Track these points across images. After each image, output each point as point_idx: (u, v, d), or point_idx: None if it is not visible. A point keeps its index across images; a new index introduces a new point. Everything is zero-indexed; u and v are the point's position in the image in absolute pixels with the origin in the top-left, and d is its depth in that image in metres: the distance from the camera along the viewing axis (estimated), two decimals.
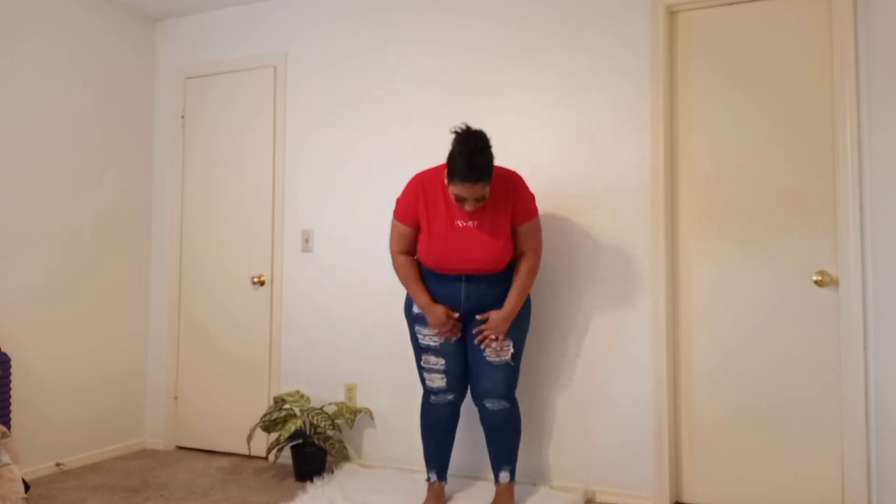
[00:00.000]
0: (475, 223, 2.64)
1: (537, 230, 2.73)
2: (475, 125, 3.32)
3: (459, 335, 2.78)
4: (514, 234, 2.70)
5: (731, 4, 2.98)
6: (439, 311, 2.71)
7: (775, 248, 2.88)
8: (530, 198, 2.71)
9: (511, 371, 2.76)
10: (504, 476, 2.82)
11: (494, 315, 2.70)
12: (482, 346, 2.72)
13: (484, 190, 2.52)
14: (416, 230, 2.74)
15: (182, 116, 4.04)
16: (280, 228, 3.74)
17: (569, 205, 3.15)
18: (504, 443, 2.81)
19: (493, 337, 2.70)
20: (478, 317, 2.74)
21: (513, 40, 3.29)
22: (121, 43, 3.92)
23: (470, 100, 3.35)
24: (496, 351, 2.71)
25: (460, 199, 2.56)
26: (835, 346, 2.77)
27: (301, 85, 3.74)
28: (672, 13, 3.06)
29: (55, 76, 3.54)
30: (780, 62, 2.90)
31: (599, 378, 3.07)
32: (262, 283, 3.77)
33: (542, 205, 3.18)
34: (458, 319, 2.76)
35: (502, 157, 3.26)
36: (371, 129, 3.56)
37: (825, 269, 2.80)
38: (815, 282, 2.78)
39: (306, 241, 3.68)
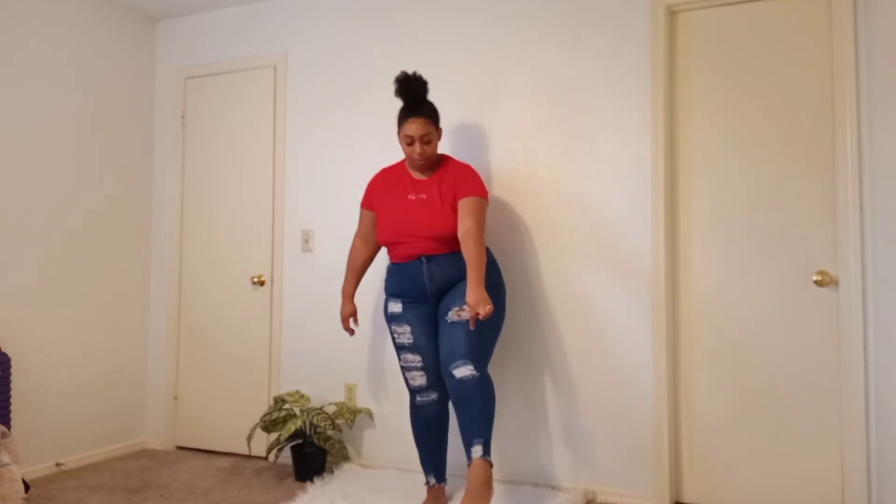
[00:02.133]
0: (426, 196, 2.78)
1: (481, 208, 2.71)
2: (475, 124, 3.33)
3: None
4: (458, 210, 2.72)
5: (731, 4, 2.98)
6: (348, 307, 3.00)
7: (775, 248, 2.88)
8: (479, 181, 2.79)
9: (475, 334, 2.58)
10: (476, 450, 2.48)
11: (468, 295, 2.48)
12: (467, 321, 2.58)
13: (428, 127, 2.71)
14: (373, 215, 2.94)
15: (182, 116, 4.04)
16: (280, 228, 3.74)
17: (569, 205, 3.15)
18: (474, 411, 2.50)
19: (481, 312, 2.43)
20: (450, 315, 2.65)
21: (513, 40, 3.29)
22: (121, 43, 3.92)
23: (469, 99, 3.35)
24: (457, 312, 2.61)
25: (411, 141, 2.72)
26: (835, 346, 2.77)
27: (301, 85, 3.74)
28: (672, 13, 3.06)
29: (55, 76, 3.54)
30: (780, 62, 2.90)
31: (599, 378, 3.07)
32: (262, 283, 3.77)
33: (541, 205, 3.19)
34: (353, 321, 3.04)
35: (503, 158, 3.27)
36: (371, 128, 3.56)
37: (825, 269, 2.80)
38: (815, 282, 2.78)
39: (306, 241, 3.68)
